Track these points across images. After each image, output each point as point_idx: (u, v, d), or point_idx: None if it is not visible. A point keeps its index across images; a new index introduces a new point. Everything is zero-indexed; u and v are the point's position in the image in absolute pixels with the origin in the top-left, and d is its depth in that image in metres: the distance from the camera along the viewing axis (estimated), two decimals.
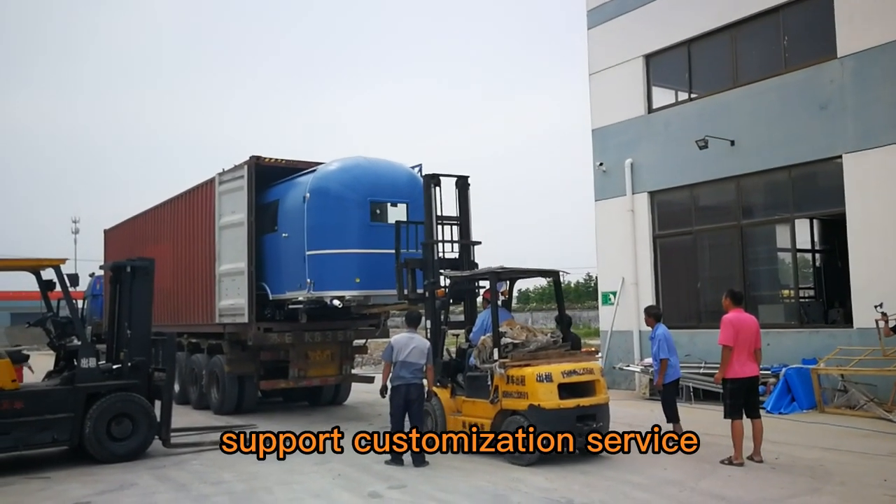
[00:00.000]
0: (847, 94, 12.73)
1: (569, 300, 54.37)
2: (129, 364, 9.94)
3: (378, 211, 12.44)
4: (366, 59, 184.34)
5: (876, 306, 11.29)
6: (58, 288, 9.96)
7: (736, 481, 7.70)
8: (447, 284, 10.63)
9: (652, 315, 10.26)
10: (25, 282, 11.67)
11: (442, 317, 10.33)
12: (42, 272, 10.20)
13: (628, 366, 15.10)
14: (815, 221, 15.76)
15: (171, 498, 7.69)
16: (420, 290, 11.00)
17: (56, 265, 9.95)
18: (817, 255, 16.22)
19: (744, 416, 8.48)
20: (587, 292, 54.11)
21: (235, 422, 12.71)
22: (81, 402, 9.50)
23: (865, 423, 10.87)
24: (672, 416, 9.91)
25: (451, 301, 10.80)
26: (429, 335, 10.24)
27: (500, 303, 10.35)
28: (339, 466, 8.92)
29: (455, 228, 11.43)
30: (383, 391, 9.14)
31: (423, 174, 11.85)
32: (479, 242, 11.57)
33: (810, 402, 12.20)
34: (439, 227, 11.20)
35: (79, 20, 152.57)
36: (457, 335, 11.07)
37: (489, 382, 9.12)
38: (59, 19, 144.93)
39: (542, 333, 9.73)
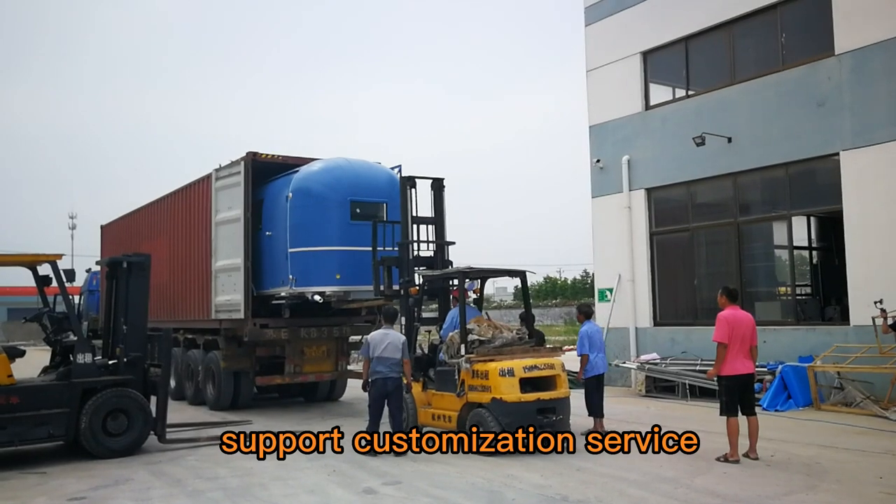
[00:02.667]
0: (844, 92, 12.72)
1: (565, 297, 54.64)
2: (125, 360, 9.94)
3: (358, 210, 12.69)
4: (364, 55, 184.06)
5: (875, 302, 11.29)
6: (54, 283, 9.95)
7: (731, 478, 7.70)
8: (420, 283, 11.02)
9: (582, 312, 10.83)
10: (22, 277, 11.64)
11: (415, 313, 10.78)
12: (38, 267, 10.18)
13: (624, 363, 15.12)
14: (812, 218, 15.77)
15: (167, 493, 7.69)
16: (396, 287, 11.44)
17: (53, 261, 9.93)
18: (814, 253, 16.22)
19: (739, 413, 8.49)
20: (584, 289, 54.22)
21: (231, 418, 12.72)
22: (77, 397, 9.49)
23: (861, 421, 10.88)
24: (593, 410, 10.33)
25: (426, 298, 11.40)
26: (403, 331, 10.64)
27: (471, 301, 11.18)
28: (334, 463, 8.92)
29: (431, 228, 11.89)
30: (365, 386, 9.55)
31: (400, 176, 12.26)
32: (453, 243, 12.09)
33: (806, 400, 12.21)
34: (415, 226, 11.68)
35: (76, 15, 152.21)
36: (429, 331, 11.36)
37: (456, 376, 9.53)
38: (57, 14, 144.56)
39: (508, 330, 10.07)
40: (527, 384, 9.12)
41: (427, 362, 10.34)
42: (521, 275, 10.83)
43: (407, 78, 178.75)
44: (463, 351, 9.45)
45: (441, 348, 10.07)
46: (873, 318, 11.42)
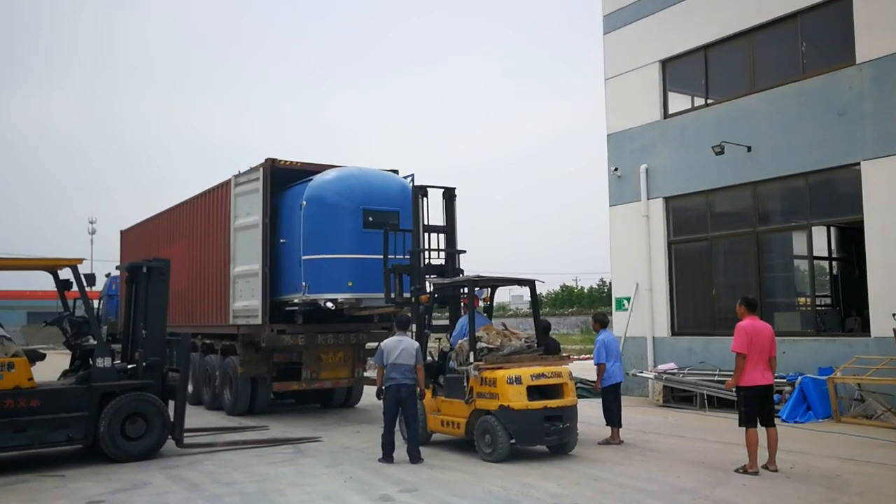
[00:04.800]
0: (866, 101, 12.61)
1: (581, 305, 54.40)
2: (144, 364, 10.00)
3: (371, 218, 12.83)
4: (378, 63, 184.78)
5: (894, 314, 11.17)
6: (74, 287, 10.05)
7: (750, 490, 7.63)
8: (431, 290, 11.12)
9: (598, 321, 10.90)
10: (43, 281, 11.79)
11: (426, 321, 10.91)
12: (59, 272, 10.28)
13: (642, 372, 15.03)
14: (832, 229, 15.62)
15: (184, 498, 7.72)
16: (407, 295, 11.57)
17: (73, 265, 10.02)
18: (834, 263, 16.06)
19: (758, 424, 8.42)
20: (600, 298, 53.96)
21: (248, 423, 12.77)
22: (96, 401, 9.55)
23: (882, 434, 10.75)
24: (611, 420, 10.39)
25: (437, 306, 11.56)
26: (414, 338, 10.73)
27: (482, 309, 11.39)
28: (351, 469, 8.94)
29: (442, 237, 12.03)
30: (379, 393, 9.60)
31: (412, 185, 12.46)
32: (464, 251, 12.19)
33: (826, 412, 12.09)
34: (426, 235, 11.82)
35: (100, 23, 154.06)
36: (439, 338, 11.63)
37: (465, 384, 9.63)
38: (81, 22, 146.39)
39: (517, 339, 10.19)
40: (534, 392, 9.28)
41: (437, 369, 10.44)
42: (531, 284, 10.96)
43: (421, 86, 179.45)
44: (472, 358, 9.57)
45: (451, 355, 10.18)
46: (894, 330, 11.29)
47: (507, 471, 8.64)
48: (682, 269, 15.75)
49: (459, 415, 9.76)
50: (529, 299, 11.44)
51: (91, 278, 10.27)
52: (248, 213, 13.50)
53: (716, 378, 13.37)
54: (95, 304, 20.98)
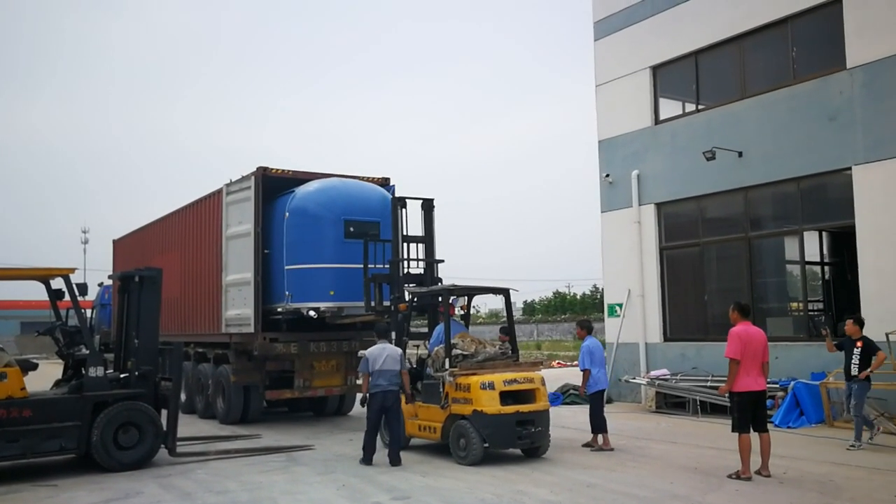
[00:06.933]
0: (857, 106, 12.69)
1: (574, 311, 54.49)
2: (137, 373, 9.98)
3: (352, 228, 13.02)
4: (368, 69, 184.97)
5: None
6: (67, 297, 10.02)
7: (743, 496, 7.64)
8: (409, 299, 11.35)
9: (583, 327, 11.00)
10: (35, 291, 11.76)
11: (404, 329, 11.12)
12: (51, 281, 10.26)
13: (634, 378, 15.04)
14: (824, 233, 15.68)
15: None
16: (386, 303, 11.79)
17: (65, 274, 10.00)
18: (826, 268, 16.12)
19: (751, 430, 8.43)
20: (593, 304, 54.05)
21: (241, 432, 12.74)
22: (89, 410, 9.54)
23: (875, 438, 10.76)
24: (596, 426, 10.49)
25: (416, 314, 11.86)
26: (394, 345, 10.93)
27: (459, 317, 11.78)
28: (343, 477, 8.92)
29: (421, 246, 12.30)
30: (363, 401, 9.78)
31: (392, 196, 12.70)
32: (442, 261, 12.49)
33: (819, 417, 12.11)
34: (405, 245, 12.08)
35: (88, 31, 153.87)
36: (417, 345, 11.89)
37: (441, 389, 9.89)
38: (68, 30, 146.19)
39: (491, 346, 10.51)
40: (507, 397, 9.50)
41: (415, 375, 10.62)
42: (505, 292, 11.21)
43: (410, 91, 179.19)
44: (447, 365, 9.78)
45: (428, 362, 10.39)
46: (887, 335, 11.33)
47: (500, 478, 8.64)
48: (674, 275, 15.79)
49: (436, 419, 9.98)
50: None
51: (83, 288, 10.26)
52: (240, 222, 13.54)
53: (708, 384, 13.39)
54: (88, 313, 20.95)
